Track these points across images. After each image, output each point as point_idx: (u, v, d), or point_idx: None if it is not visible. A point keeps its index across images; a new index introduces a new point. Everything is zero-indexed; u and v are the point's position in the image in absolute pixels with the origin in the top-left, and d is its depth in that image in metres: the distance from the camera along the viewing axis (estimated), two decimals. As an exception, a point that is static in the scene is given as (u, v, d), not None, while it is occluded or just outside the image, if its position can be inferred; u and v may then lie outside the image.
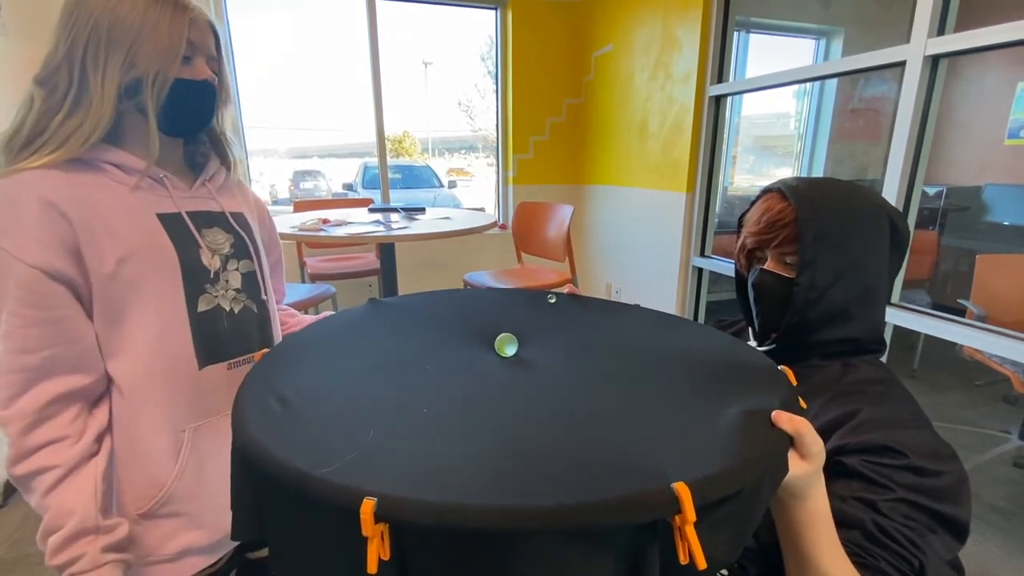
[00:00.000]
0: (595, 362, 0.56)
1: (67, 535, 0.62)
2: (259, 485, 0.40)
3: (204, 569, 0.75)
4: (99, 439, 0.67)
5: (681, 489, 0.32)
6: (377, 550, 0.31)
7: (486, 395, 0.48)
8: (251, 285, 0.79)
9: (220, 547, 0.76)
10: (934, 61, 1.43)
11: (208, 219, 0.76)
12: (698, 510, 0.32)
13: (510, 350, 0.57)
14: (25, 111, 0.64)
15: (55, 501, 0.62)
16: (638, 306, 0.76)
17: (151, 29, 0.63)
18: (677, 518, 0.32)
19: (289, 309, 1.00)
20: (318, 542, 0.37)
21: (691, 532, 0.31)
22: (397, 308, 0.74)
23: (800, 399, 0.49)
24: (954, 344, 1.53)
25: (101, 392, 0.69)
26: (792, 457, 0.43)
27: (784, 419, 0.42)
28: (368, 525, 0.31)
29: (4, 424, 0.62)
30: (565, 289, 0.81)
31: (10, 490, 1.80)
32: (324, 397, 0.47)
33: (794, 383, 0.51)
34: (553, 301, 0.77)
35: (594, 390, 0.49)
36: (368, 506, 0.31)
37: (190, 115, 0.72)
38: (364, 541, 0.31)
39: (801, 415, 0.44)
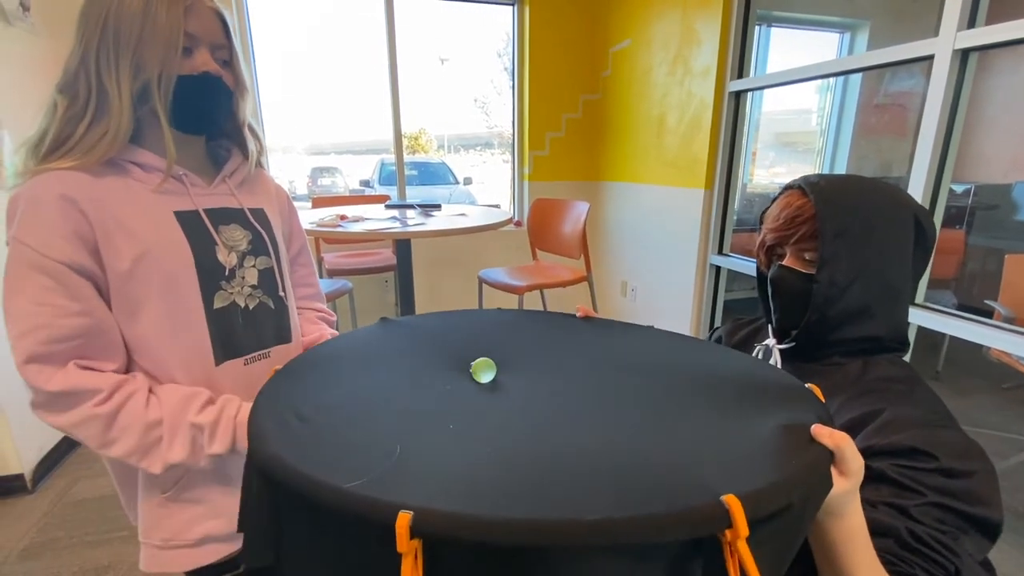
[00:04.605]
0: (619, 381, 0.54)
1: (206, 399, 0.69)
2: (279, 504, 0.39)
3: (223, 557, 0.76)
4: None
5: (732, 502, 0.31)
6: (411, 569, 0.29)
7: (515, 409, 0.46)
8: (268, 281, 0.80)
9: (238, 536, 0.77)
10: (964, 55, 1.39)
11: (226, 216, 0.76)
12: (748, 525, 0.30)
13: (486, 376, 0.54)
14: (49, 118, 0.65)
15: (164, 405, 0.67)
16: (652, 327, 0.75)
17: (151, 25, 0.62)
18: (728, 532, 0.30)
19: (322, 311, 0.98)
20: (342, 564, 0.35)
21: (743, 547, 0.30)
22: (410, 328, 0.72)
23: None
24: (980, 346, 1.49)
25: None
26: (832, 474, 0.41)
27: (825, 434, 0.41)
28: (403, 540, 0.29)
29: (69, 392, 0.62)
30: (578, 312, 0.79)
31: (38, 476, 1.86)
32: (344, 413, 0.45)
33: (822, 400, 0.50)
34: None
35: (626, 405, 0.48)
36: (404, 520, 0.29)
37: (199, 113, 0.71)
38: (396, 560, 0.29)
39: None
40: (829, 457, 0.41)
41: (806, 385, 0.52)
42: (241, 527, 0.44)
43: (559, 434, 0.42)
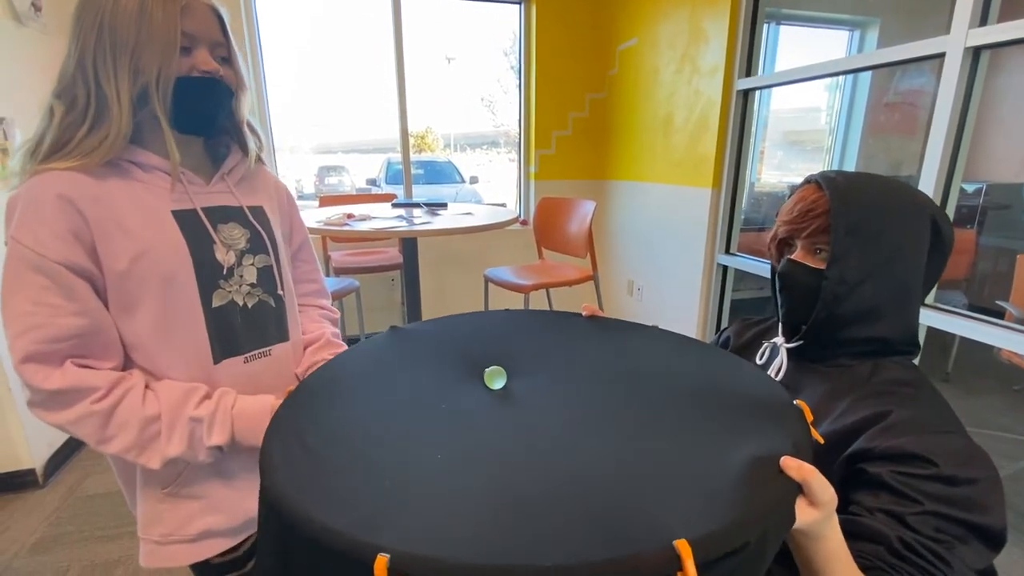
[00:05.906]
0: (608, 395, 0.57)
1: (203, 394, 0.69)
2: (284, 531, 0.42)
3: (226, 551, 0.77)
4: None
5: (682, 547, 0.32)
6: None
7: (497, 437, 0.49)
8: (267, 279, 0.80)
9: (241, 531, 0.78)
10: (975, 53, 1.38)
11: (225, 214, 0.76)
12: (701, 565, 0.32)
13: (498, 383, 0.58)
14: (46, 123, 0.65)
15: (162, 400, 0.67)
16: (656, 327, 0.75)
17: (147, 26, 0.62)
18: (679, 575, 0.32)
19: (325, 309, 0.98)
20: None
21: None
22: (417, 336, 0.74)
23: (816, 434, 0.48)
24: (991, 347, 1.47)
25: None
26: (801, 504, 0.42)
27: (792, 467, 0.41)
28: None
29: (67, 390, 0.62)
30: (584, 311, 0.79)
31: (49, 471, 1.88)
32: (346, 442, 0.48)
33: (810, 418, 0.50)
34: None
35: (605, 428, 0.50)
36: (381, 563, 0.32)
37: (199, 115, 0.70)
38: None
39: (814, 458, 0.43)
40: (794, 492, 0.42)
41: (795, 402, 0.52)
42: (258, 545, 0.46)
43: (539, 466, 0.44)
